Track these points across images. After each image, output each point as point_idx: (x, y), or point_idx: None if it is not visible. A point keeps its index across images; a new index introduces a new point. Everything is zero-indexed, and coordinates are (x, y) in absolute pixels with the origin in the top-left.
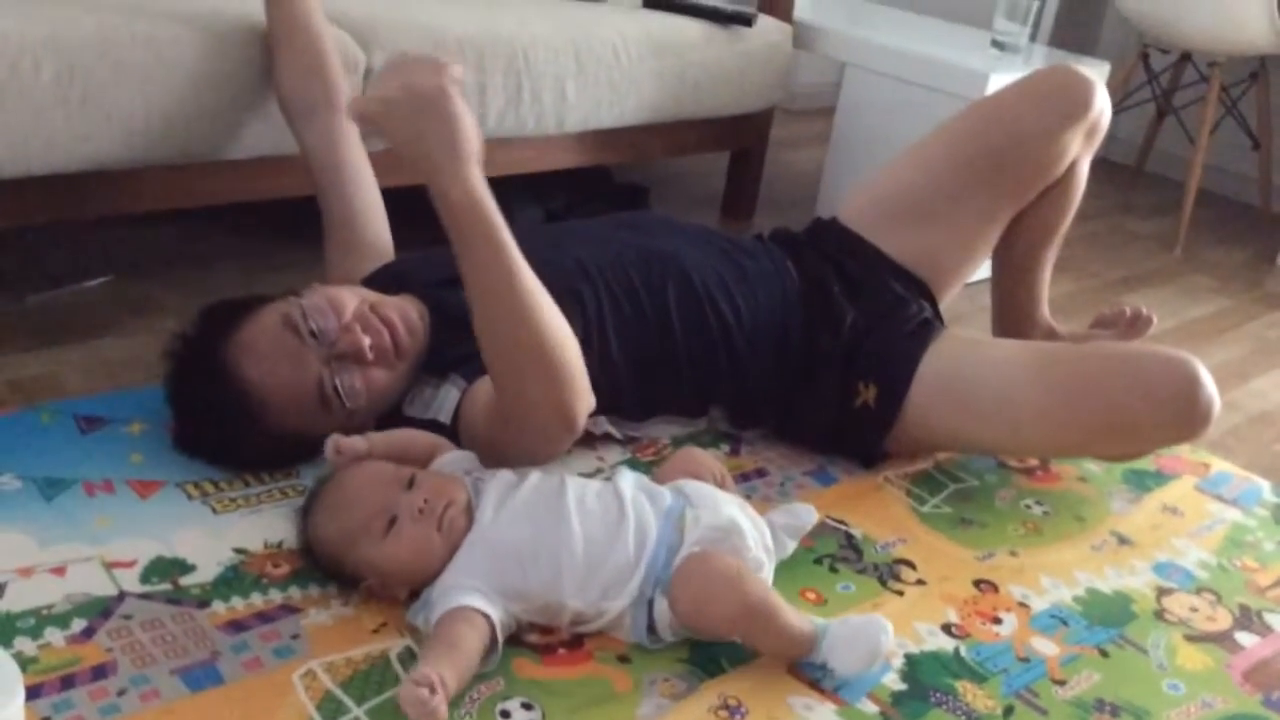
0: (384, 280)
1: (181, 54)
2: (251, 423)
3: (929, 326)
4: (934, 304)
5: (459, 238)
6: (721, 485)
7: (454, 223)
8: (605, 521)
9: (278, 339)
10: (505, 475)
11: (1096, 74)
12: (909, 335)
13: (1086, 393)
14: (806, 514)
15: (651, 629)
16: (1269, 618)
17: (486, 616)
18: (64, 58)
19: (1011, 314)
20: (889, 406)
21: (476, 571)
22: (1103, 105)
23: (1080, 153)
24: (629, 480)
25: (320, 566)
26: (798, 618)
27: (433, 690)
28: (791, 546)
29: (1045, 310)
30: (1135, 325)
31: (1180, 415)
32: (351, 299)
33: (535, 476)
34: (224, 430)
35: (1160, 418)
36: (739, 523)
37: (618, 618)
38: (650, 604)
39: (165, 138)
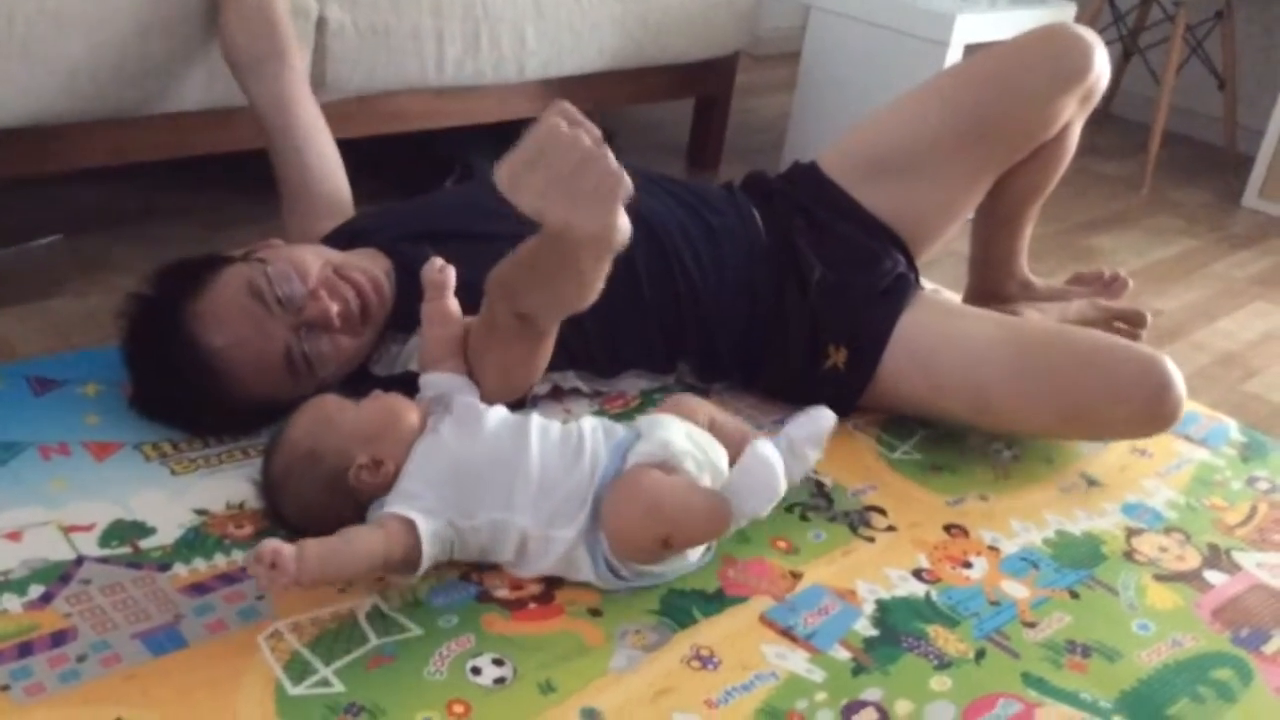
0: (345, 238)
1: (125, 2)
2: (215, 391)
3: (904, 287)
4: (910, 259)
5: (576, 267)
6: (710, 427)
7: (588, 255)
8: (564, 451)
9: (243, 307)
10: (474, 401)
11: (1093, 37)
12: (882, 296)
13: (1056, 383)
14: (823, 418)
15: (614, 570)
16: (1237, 556)
17: (412, 525)
18: (1, 8)
19: (988, 265)
20: (860, 371)
21: (432, 481)
22: (1101, 69)
23: (1074, 115)
24: (590, 421)
25: (284, 499)
26: (705, 493)
27: (271, 565)
28: (814, 457)
29: (1023, 263)
30: (1111, 287)
31: (1148, 415)
32: (315, 261)
33: (503, 408)
34: (186, 397)
35: (1127, 415)
36: (672, 445)
37: (567, 555)
38: (599, 539)
39: (111, 90)
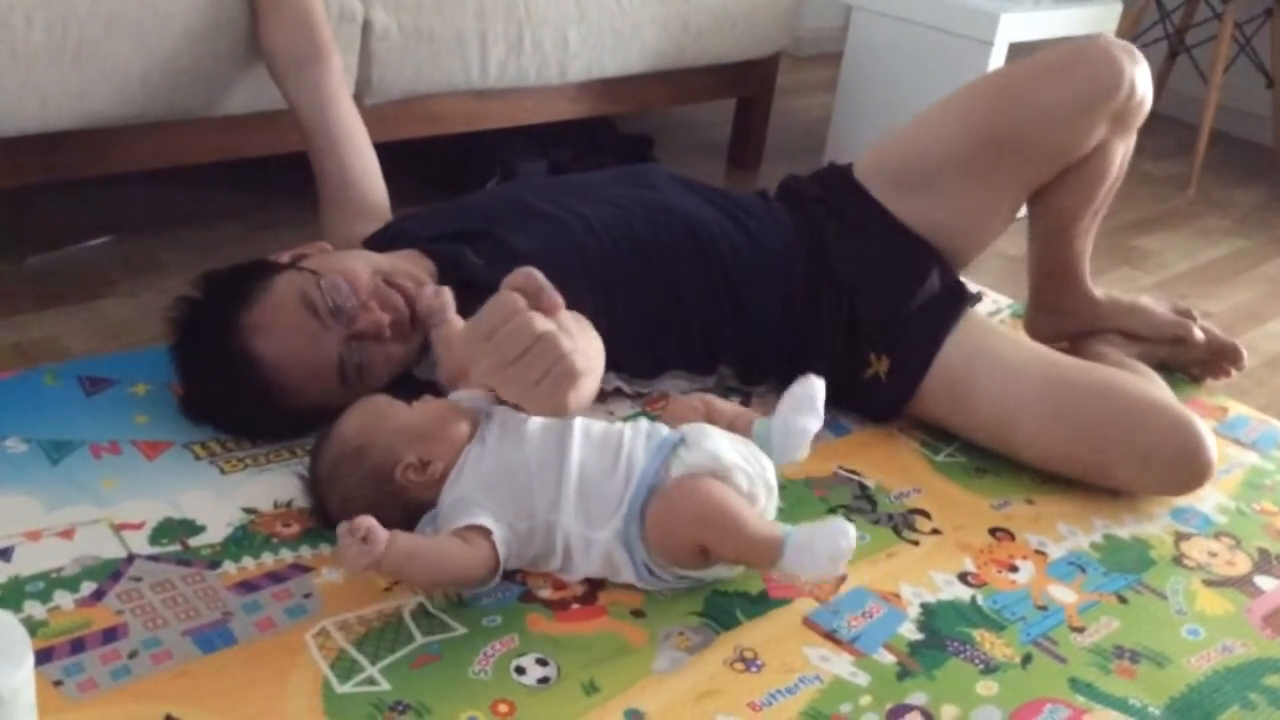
0: (386, 241)
1: (176, 6)
2: (267, 399)
3: (951, 305)
4: (944, 270)
5: None
6: (708, 415)
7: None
8: (604, 453)
9: (296, 318)
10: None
11: (1129, 55)
12: (928, 307)
13: (1084, 432)
14: (809, 387)
15: (653, 573)
16: None
17: (489, 535)
18: (56, 13)
19: (1043, 278)
20: (902, 383)
21: (483, 484)
22: (1132, 87)
23: (1110, 137)
24: (634, 424)
25: (331, 493)
26: (763, 523)
27: (365, 539)
28: (814, 426)
29: (1083, 278)
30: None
31: (1172, 478)
32: (364, 270)
33: None
34: (237, 405)
35: (1152, 480)
36: (722, 457)
37: (607, 556)
38: (637, 541)
39: (162, 93)
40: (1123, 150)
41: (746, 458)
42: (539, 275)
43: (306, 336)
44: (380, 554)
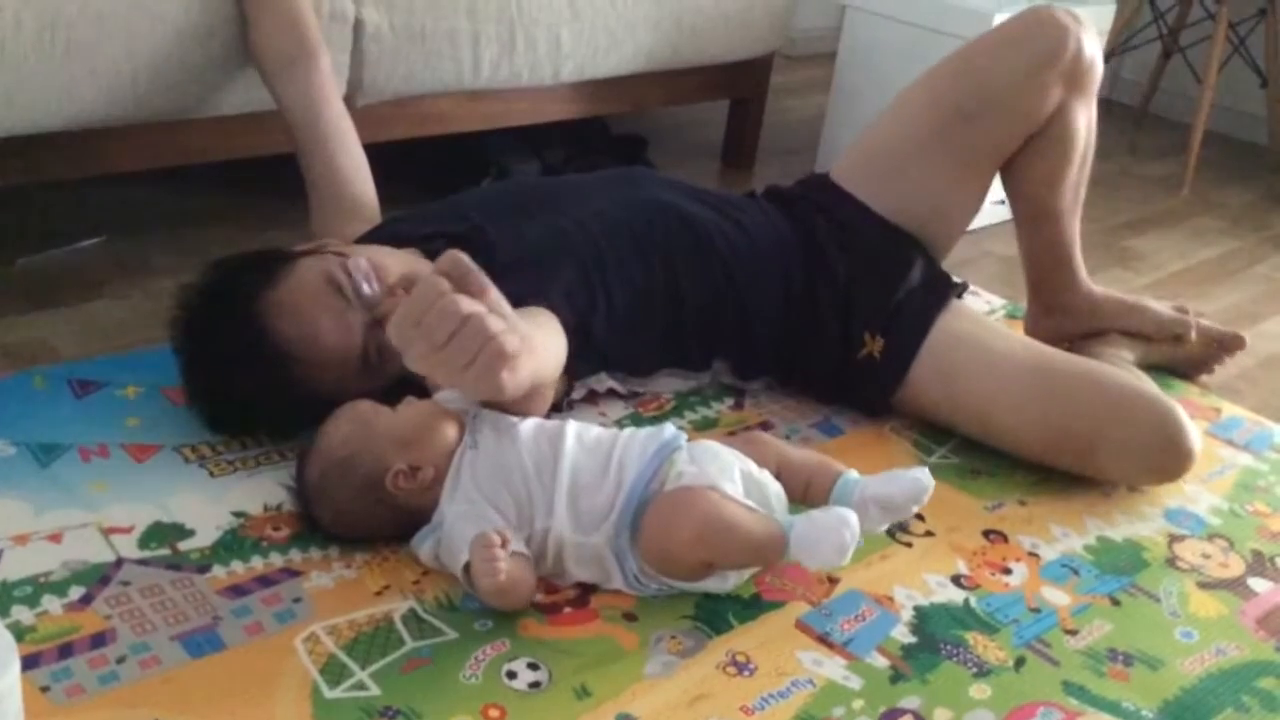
0: (375, 243)
1: (166, 6)
2: (284, 383)
3: (942, 288)
4: (930, 259)
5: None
6: (780, 467)
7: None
8: (595, 457)
9: (322, 298)
10: (506, 415)
11: (1084, 16)
12: (921, 288)
13: (1064, 423)
14: (912, 481)
15: (642, 582)
16: None
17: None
18: (45, 12)
19: (1039, 275)
20: (897, 361)
21: (484, 491)
22: (1078, 48)
23: (1067, 100)
24: (629, 430)
25: (321, 505)
26: (762, 521)
27: (500, 544)
28: (882, 523)
29: (1077, 271)
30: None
31: (1154, 468)
32: (392, 262)
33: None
34: (250, 390)
35: (1132, 467)
36: (718, 485)
37: (598, 562)
38: (627, 550)
39: (152, 93)
40: (1085, 117)
41: (753, 489)
42: (465, 258)
43: (332, 316)
44: (504, 581)
